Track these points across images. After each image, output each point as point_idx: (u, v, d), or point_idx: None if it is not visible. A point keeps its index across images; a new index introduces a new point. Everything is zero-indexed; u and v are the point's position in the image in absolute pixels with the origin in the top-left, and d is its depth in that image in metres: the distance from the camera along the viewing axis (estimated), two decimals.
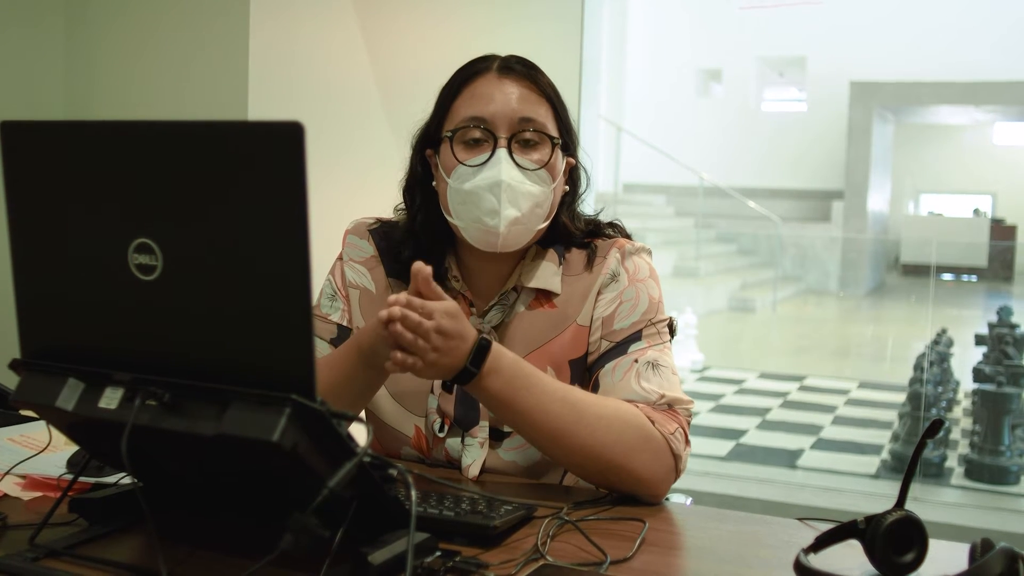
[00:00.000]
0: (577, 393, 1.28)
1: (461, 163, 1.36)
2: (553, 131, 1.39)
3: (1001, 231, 15.74)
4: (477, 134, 1.36)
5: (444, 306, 1.17)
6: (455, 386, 1.30)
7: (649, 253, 1.46)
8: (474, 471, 1.38)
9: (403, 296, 1.16)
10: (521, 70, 1.40)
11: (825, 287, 12.38)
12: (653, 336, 1.38)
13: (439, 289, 1.19)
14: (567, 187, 1.44)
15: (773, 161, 16.19)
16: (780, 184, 15.85)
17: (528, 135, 1.37)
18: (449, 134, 1.38)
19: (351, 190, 2.54)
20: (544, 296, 1.43)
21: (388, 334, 1.15)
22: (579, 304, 1.42)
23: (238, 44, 2.26)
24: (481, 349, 1.20)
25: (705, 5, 16.41)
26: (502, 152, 1.35)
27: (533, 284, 1.42)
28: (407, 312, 1.14)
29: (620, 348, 1.37)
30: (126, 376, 0.93)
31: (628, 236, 1.50)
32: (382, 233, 1.49)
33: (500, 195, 1.33)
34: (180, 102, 2.35)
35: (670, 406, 1.32)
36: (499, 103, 1.36)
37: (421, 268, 1.17)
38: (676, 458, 1.29)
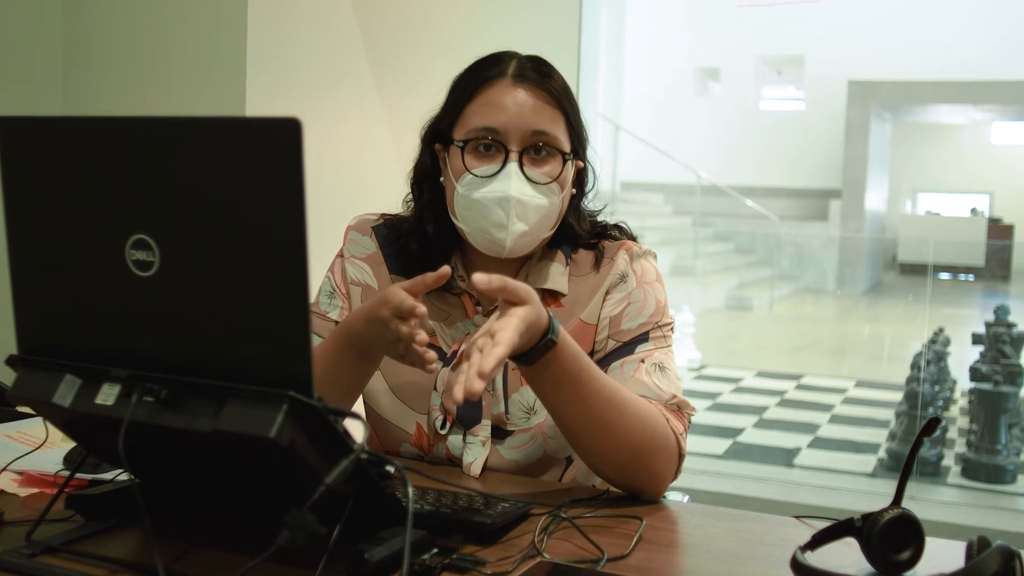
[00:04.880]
0: (616, 383, 1.27)
1: (470, 171, 1.35)
2: (565, 144, 1.38)
3: (998, 230, 15.74)
4: (488, 143, 1.35)
5: (513, 323, 1.10)
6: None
7: (655, 257, 1.47)
8: (476, 469, 1.38)
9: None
10: (535, 78, 1.37)
11: (822, 286, 12.39)
12: (659, 339, 1.39)
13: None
14: (574, 190, 1.44)
15: (771, 160, 16.19)
16: (778, 183, 15.85)
17: (540, 147, 1.36)
18: (461, 144, 1.37)
19: (348, 186, 2.54)
20: (551, 296, 1.42)
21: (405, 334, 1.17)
22: (585, 302, 1.42)
23: (236, 40, 2.26)
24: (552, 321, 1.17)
25: (703, 3, 16.39)
26: (512, 166, 1.34)
27: (540, 285, 1.41)
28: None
29: (627, 348, 1.37)
30: (123, 372, 0.92)
31: (633, 238, 1.50)
32: (386, 230, 1.48)
33: (509, 210, 1.32)
34: (178, 98, 2.35)
35: (679, 408, 1.33)
36: (512, 114, 1.35)
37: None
38: (680, 459, 1.31)
